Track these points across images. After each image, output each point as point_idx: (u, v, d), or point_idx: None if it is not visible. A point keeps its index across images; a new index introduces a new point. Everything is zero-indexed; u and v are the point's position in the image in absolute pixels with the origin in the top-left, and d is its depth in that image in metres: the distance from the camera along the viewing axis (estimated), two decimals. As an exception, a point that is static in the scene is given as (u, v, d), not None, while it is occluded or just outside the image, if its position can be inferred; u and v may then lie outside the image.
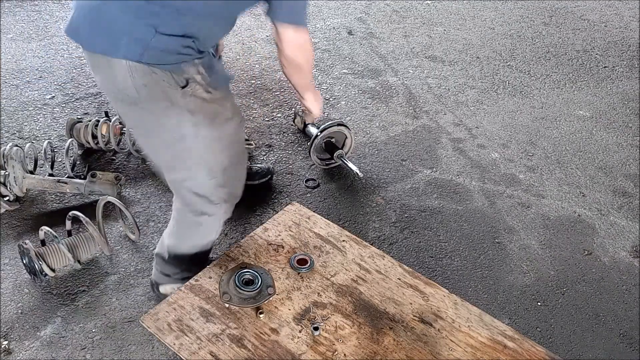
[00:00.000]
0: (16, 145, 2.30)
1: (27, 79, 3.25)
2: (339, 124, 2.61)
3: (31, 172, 2.35)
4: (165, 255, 1.83)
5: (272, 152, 2.79)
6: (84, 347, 1.83)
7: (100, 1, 1.35)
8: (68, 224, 2.10)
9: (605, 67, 3.88)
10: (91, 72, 1.58)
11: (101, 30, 1.37)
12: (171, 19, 1.35)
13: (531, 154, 2.95)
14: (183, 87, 1.43)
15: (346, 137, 2.66)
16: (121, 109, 1.53)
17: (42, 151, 2.42)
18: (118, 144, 2.59)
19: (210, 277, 1.62)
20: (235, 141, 1.62)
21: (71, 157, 2.51)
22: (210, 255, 2.11)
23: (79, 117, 2.70)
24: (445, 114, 3.23)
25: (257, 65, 3.50)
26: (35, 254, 1.94)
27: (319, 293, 1.61)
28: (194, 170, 1.56)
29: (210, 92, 1.48)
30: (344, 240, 1.80)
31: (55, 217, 2.27)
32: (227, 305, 1.52)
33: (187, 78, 1.43)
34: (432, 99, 3.37)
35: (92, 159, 2.64)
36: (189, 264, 1.82)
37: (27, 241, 1.98)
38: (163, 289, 1.90)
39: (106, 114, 2.76)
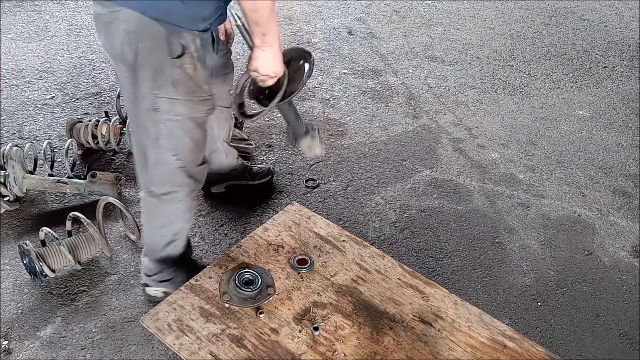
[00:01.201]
0: (16, 146, 2.30)
1: (27, 79, 3.25)
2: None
3: (31, 173, 2.35)
4: (145, 254, 1.90)
5: (272, 152, 2.79)
6: (84, 347, 1.83)
7: None
8: (68, 224, 2.10)
9: (605, 67, 3.88)
10: (96, 37, 1.61)
11: None
12: None
13: (531, 154, 2.95)
14: (175, 57, 1.43)
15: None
16: (119, 70, 1.53)
17: (42, 151, 2.42)
18: (118, 144, 2.59)
19: (210, 277, 1.63)
20: (203, 124, 1.63)
21: (71, 157, 2.51)
22: (212, 256, 2.11)
23: (79, 117, 2.70)
24: (445, 114, 3.23)
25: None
26: (36, 255, 1.94)
27: (319, 293, 1.61)
28: (163, 146, 1.58)
29: (195, 70, 1.48)
30: (344, 240, 1.81)
31: (55, 218, 2.27)
32: (227, 305, 1.52)
33: (184, 46, 1.43)
34: (432, 99, 3.37)
35: (92, 159, 2.64)
36: (169, 263, 1.85)
37: (27, 241, 1.98)
38: (149, 290, 1.93)
39: (106, 114, 2.76)
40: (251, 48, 1.54)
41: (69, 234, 2.11)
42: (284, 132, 2.92)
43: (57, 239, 1.99)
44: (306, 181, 2.62)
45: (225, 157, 2.33)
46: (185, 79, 1.48)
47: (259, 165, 2.57)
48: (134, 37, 1.40)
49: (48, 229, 2.01)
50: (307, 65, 1.66)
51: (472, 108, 3.31)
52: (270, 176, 2.55)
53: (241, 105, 1.81)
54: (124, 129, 2.55)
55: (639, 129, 3.24)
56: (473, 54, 3.91)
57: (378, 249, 1.81)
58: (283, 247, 1.76)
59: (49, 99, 3.08)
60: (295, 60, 1.69)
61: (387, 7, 4.51)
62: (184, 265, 1.91)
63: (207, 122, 1.65)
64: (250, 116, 1.78)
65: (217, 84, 1.91)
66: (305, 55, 1.68)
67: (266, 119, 3.02)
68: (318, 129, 1.85)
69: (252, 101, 1.78)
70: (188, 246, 1.96)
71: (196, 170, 1.70)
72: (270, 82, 1.60)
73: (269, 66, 1.55)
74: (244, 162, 2.49)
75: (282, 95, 1.62)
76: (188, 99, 1.51)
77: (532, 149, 3.00)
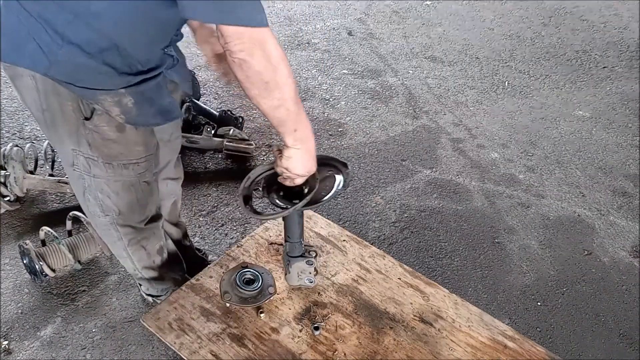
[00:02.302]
0: (16, 146, 2.30)
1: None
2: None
3: (31, 173, 2.35)
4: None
5: (272, 152, 2.79)
6: (84, 347, 1.83)
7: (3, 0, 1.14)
8: (68, 224, 2.10)
9: (604, 67, 3.89)
10: None
11: (6, 34, 1.14)
12: (76, 24, 1.10)
13: (531, 154, 2.96)
14: (85, 119, 1.24)
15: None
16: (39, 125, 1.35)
17: (43, 151, 2.42)
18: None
19: (211, 277, 1.62)
20: (136, 184, 1.42)
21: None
22: (212, 257, 2.10)
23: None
24: (445, 114, 3.23)
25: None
26: (36, 254, 1.94)
27: (319, 293, 1.61)
28: (89, 200, 1.44)
29: (121, 132, 1.27)
30: (344, 240, 1.81)
31: (56, 217, 2.27)
32: (227, 304, 1.52)
33: (93, 109, 1.23)
34: (432, 99, 3.37)
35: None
36: (152, 280, 1.80)
37: (27, 241, 1.98)
38: (143, 289, 1.95)
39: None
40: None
41: (69, 233, 2.11)
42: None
43: (57, 238, 1.99)
44: (306, 181, 2.62)
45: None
46: (100, 142, 1.28)
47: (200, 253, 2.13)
48: (41, 95, 1.21)
49: (48, 229, 2.01)
50: (338, 177, 1.43)
51: (472, 108, 3.31)
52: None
53: (247, 199, 1.43)
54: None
55: (638, 129, 3.24)
56: (472, 55, 3.92)
57: (378, 248, 1.81)
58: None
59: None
60: (325, 166, 1.45)
61: (387, 8, 4.51)
62: (171, 280, 1.83)
63: (147, 180, 1.44)
64: (259, 214, 1.42)
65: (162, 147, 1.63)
66: (339, 166, 1.46)
67: (266, 119, 3.02)
68: (316, 256, 1.65)
69: (262, 197, 1.47)
70: (173, 261, 1.83)
71: (137, 223, 1.54)
72: (299, 181, 1.35)
73: (303, 166, 1.29)
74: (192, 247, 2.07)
75: (309, 199, 1.35)
76: (107, 163, 1.32)
77: (532, 149, 3.00)
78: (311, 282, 1.58)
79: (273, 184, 1.44)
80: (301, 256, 1.56)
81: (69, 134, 1.27)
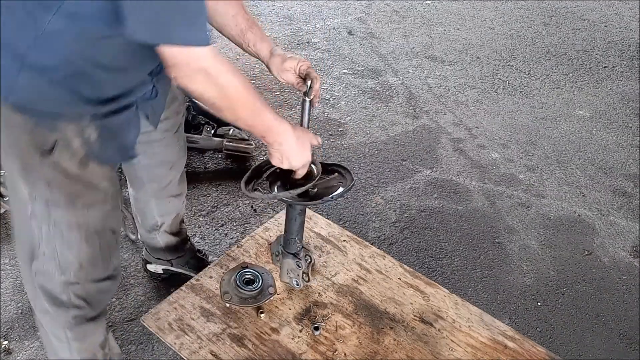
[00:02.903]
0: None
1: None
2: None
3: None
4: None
5: (272, 152, 2.79)
6: (84, 346, 1.83)
7: None
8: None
9: (605, 67, 3.88)
10: None
11: None
12: (37, 47, 0.98)
13: (531, 154, 2.96)
14: (45, 152, 1.08)
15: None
16: None
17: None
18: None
19: (211, 277, 1.63)
20: (101, 232, 1.25)
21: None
22: (212, 257, 2.10)
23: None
24: (445, 114, 3.23)
25: (257, 65, 3.50)
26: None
27: (319, 293, 1.61)
28: (43, 257, 1.22)
29: (85, 166, 1.14)
30: (344, 240, 1.81)
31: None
32: (228, 304, 1.52)
33: (55, 141, 1.08)
34: (432, 99, 3.37)
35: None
36: None
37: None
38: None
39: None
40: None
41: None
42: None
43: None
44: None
45: (164, 245, 1.90)
46: (61, 180, 1.12)
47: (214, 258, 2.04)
48: None
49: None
50: (342, 186, 1.44)
51: (472, 108, 3.31)
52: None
53: (249, 181, 1.43)
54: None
55: (639, 129, 3.24)
56: (473, 54, 3.91)
57: (378, 249, 1.81)
58: (283, 247, 1.75)
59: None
60: (334, 173, 1.48)
61: (387, 7, 4.51)
62: None
63: (113, 228, 1.29)
64: (254, 192, 1.42)
65: (161, 165, 1.60)
66: (347, 176, 1.47)
67: (266, 119, 3.02)
68: (310, 262, 1.63)
69: (266, 183, 1.46)
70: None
71: (91, 289, 1.31)
72: (302, 172, 1.34)
73: (289, 162, 1.27)
74: (193, 248, 2.02)
75: (306, 188, 1.36)
76: (70, 204, 1.16)
77: (532, 149, 3.00)
78: (297, 285, 1.58)
79: (277, 181, 1.45)
80: (293, 254, 1.56)
81: (24, 173, 1.12)
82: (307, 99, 1.36)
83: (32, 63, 1.00)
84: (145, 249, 1.98)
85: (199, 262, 1.96)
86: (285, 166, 1.28)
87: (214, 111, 1.09)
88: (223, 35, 1.38)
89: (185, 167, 1.74)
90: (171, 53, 0.96)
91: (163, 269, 1.98)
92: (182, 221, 1.90)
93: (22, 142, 1.08)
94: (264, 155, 2.75)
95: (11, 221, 1.27)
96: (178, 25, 0.93)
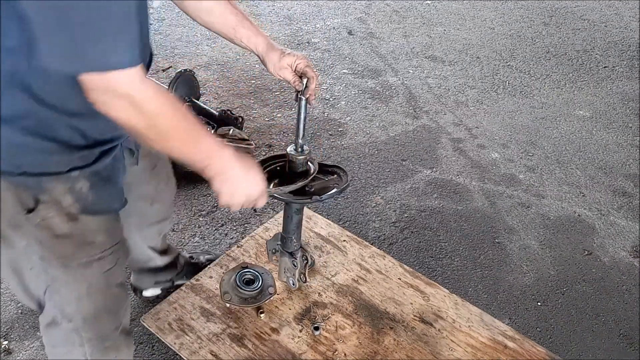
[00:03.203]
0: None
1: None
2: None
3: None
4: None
5: (272, 152, 2.79)
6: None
7: None
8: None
9: (605, 67, 3.88)
10: None
11: None
12: (10, 91, 0.87)
13: (531, 154, 2.96)
14: (28, 211, 0.99)
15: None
16: None
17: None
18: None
19: (210, 277, 1.63)
20: (104, 289, 1.17)
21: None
22: (203, 255, 2.07)
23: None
24: (445, 114, 3.23)
25: (257, 65, 3.50)
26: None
27: (319, 293, 1.61)
28: (48, 307, 1.17)
29: (75, 220, 1.03)
30: (344, 240, 1.81)
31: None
32: (228, 305, 1.52)
33: (37, 198, 0.98)
34: (432, 99, 3.37)
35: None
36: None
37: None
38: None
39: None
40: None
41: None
42: (284, 132, 2.92)
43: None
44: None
45: (158, 261, 1.80)
46: (50, 240, 1.03)
47: (206, 256, 2.01)
48: None
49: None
50: (336, 187, 1.42)
51: (472, 108, 3.31)
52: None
53: None
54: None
55: (639, 129, 3.24)
56: (473, 54, 3.91)
57: (378, 249, 1.81)
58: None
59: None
60: (330, 174, 1.47)
61: (387, 7, 4.51)
62: None
63: (119, 282, 1.22)
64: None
65: (143, 198, 1.48)
66: (342, 176, 1.46)
67: (266, 119, 3.03)
68: (308, 263, 1.60)
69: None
70: None
71: (100, 342, 1.26)
72: (261, 202, 1.17)
73: (241, 191, 1.09)
74: (185, 258, 1.95)
75: (299, 186, 1.34)
76: (62, 264, 1.07)
77: (532, 149, 3.00)
78: (293, 285, 1.58)
79: (276, 178, 1.45)
80: (289, 253, 1.56)
81: (15, 232, 1.03)
82: (303, 98, 1.34)
83: (2, 117, 0.89)
84: (135, 277, 1.88)
85: (195, 268, 1.87)
86: (237, 200, 1.10)
87: (142, 141, 0.94)
88: (213, 32, 1.33)
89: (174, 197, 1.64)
90: (89, 77, 0.82)
91: (162, 289, 1.91)
92: (165, 237, 1.80)
93: (8, 201, 0.98)
94: (264, 155, 2.75)
95: (9, 269, 1.14)
96: (93, 48, 0.80)
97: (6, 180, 0.95)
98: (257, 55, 1.35)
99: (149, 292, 1.92)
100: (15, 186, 0.97)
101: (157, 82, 0.92)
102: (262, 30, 1.34)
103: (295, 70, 1.34)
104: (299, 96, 1.34)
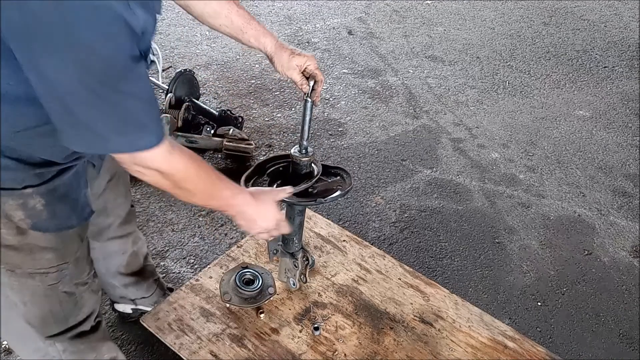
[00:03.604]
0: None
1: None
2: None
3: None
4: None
5: (272, 152, 2.79)
6: (84, 347, 1.82)
7: None
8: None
9: (605, 67, 3.88)
10: None
11: None
12: None
13: (531, 154, 2.95)
14: None
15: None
16: None
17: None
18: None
19: (210, 277, 1.62)
20: (51, 296, 1.16)
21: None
22: (212, 256, 2.08)
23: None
24: (445, 114, 3.23)
25: (257, 65, 3.50)
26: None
27: (319, 293, 1.61)
28: (9, 297, 1.15)
29: (24, 235, 1.02)
30: (344, 240, 1.80)
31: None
32: (227, 305, 1.52)
33: None
34: (432, 99, 3.37)
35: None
36: None
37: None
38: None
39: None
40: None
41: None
42: (284, 132, 2.92)
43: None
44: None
45: (120, 285, 1.75)
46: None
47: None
48: None
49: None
50: (340, 189, 1.42)
51: (472, 108, 3.31)
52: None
53: (250, 177, 1.43)
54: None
55: (639, 129, 3.24)
56: (473, 54, 3.91)
57: (378, 249, 1.81)
58: (283, 247, 1.75)
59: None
60: (334, 175, 1.48)
61: (387, 7, 4.51)
62: None
63: (66, 290, 1.19)
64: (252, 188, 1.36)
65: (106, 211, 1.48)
66: (346, 179, 1.47)
67: (266, 119, 3.02)
68: (309, 264, 1.59)
69: (266, 180, 1.45)
70: None
71: (57, 340, 1.25)
72: (278, 232, 1.29)
73: (259, 224, 1.20)
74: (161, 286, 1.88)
75: (303, 188, 1.35)
76: (9, 270, 1.07)
77: (532, 149, 3.00)
78: (293, 285, 1.58)
79: (279, 179, 1.44)
80: (291, 254, 1.55)
81: None
82: (310, 100, 1.34)
83: None
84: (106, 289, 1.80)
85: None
86: (256, 230, 1.22)
87: (170, 193, 1.01)
88: (220, 33, 1.34)
89: (130, 207, 1.60)
90: (118, 156, 0.88)
91: (132, 309, 1.85)
92: (147, 258, 1.77)
93: None
94: (264, 155, 2.75)
95: None
96: (117, 137, 0.84)
97: None
98: (266, 54, 1.35)
99: (120, 307, 1.87)
100: None
101: (178, 144, 0.96)
102: (267, 30, 1.34)
103: (304, 71, 1.34)
104: (305, 98, 1.34)
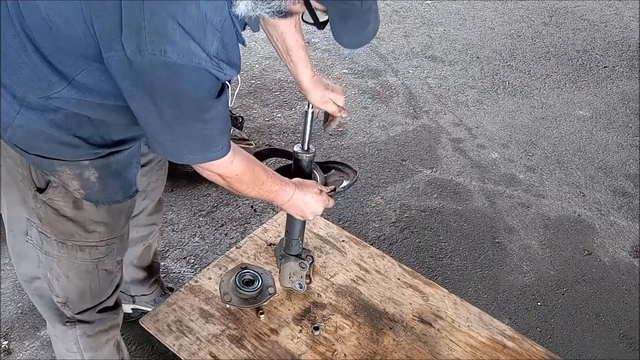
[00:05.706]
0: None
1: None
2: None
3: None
4: None
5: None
6: (84, 347, 1.83)
7: None
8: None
9: (605, 67, 3.88)
10: None
11: None
12: (39, 83, 0.95)
13: (531, 154, 2.95)
14: (38, 191, 1.08)
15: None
16: None
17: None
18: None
19: (209, 278, 1.62)
20: (92, 272, 1.23)
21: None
22: (212, 256, 2.09)
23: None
24: (445, 114, 3.23)
25: (257, 65, 3.50)
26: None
27: (318, 293, 1.61)
28: (39, 280, 1.24)
29: (78, 209, 1.12)
30: (343, 241, 1.80)
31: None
32: (228, 305, 1.52)
33: (48, 180, 1.07)
34: (432, 99, 3.37)
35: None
36: None
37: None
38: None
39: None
40: None
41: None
42: (284, 132, 2.92)
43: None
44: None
45: (129, 279, 1.79)
46: (53, 218, 1.11)
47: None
48: None
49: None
50: (345, 183, 1.48)
51: (472, 108, 3.31)
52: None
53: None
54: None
55: (639, 129, 3.24)
56: (473, 54, 3.91)
57: (378, 249, 1.81)
58: (283, 248, 1.75)
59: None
60: (338, 171, 1.53)
61: (387, 7, 4.51)
62: None
63: (106, 268, 1.27)
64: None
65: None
66: (350, 173, 1.53)
67: (266, 119, 3.03)
68: (312, 263, 1.61)
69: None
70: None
71: (85, 315, 1.32)
72: (312, 217, 1.39)
73: (299, 214, 1.35)
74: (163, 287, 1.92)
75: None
76: (60, 242, 1.15)
77: (532, 149, 3.00)
78: (301, 288, 1.57)
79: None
80: (296, 256, 1.54)
81: (21, 201, 1.12)
82: (311, 111, 1.40)
83: (33, 105, 0.98)
84: None
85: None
86: (305, 216, 1.36)
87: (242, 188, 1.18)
88: (270, 42, 1.42)
89: (160, 196, 1.64)
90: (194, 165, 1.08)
91: (132, 309, 1.85)
92: (155, 255, 1.81)
93: (18, 174, 1.08)
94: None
95: (7, 239, 1.24)
96: (195, 153, 1.02)
97: (22, 156, 1.04)
98: (299, 84, 1.47)
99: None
100: (28, 164, 1.06)
101: (239, 150, 1.13)
102: (310, 61, 1.46)
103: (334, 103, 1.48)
104: (306, 109, 1.41)
